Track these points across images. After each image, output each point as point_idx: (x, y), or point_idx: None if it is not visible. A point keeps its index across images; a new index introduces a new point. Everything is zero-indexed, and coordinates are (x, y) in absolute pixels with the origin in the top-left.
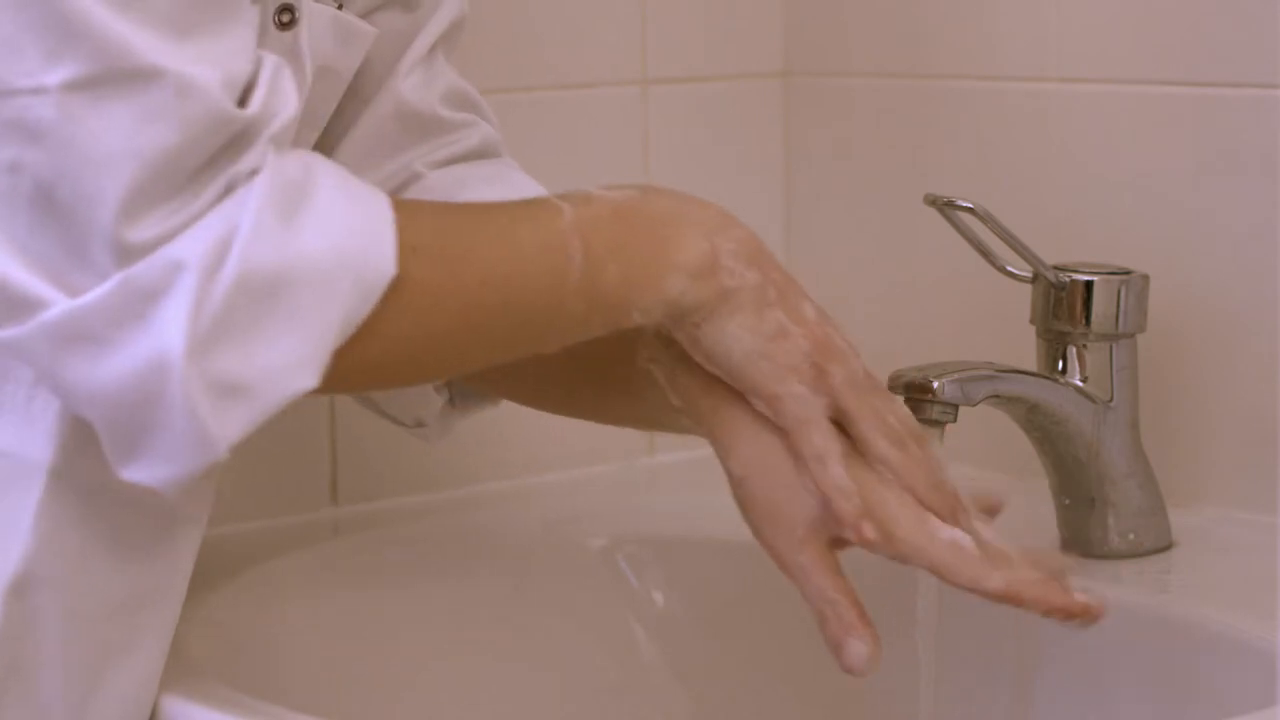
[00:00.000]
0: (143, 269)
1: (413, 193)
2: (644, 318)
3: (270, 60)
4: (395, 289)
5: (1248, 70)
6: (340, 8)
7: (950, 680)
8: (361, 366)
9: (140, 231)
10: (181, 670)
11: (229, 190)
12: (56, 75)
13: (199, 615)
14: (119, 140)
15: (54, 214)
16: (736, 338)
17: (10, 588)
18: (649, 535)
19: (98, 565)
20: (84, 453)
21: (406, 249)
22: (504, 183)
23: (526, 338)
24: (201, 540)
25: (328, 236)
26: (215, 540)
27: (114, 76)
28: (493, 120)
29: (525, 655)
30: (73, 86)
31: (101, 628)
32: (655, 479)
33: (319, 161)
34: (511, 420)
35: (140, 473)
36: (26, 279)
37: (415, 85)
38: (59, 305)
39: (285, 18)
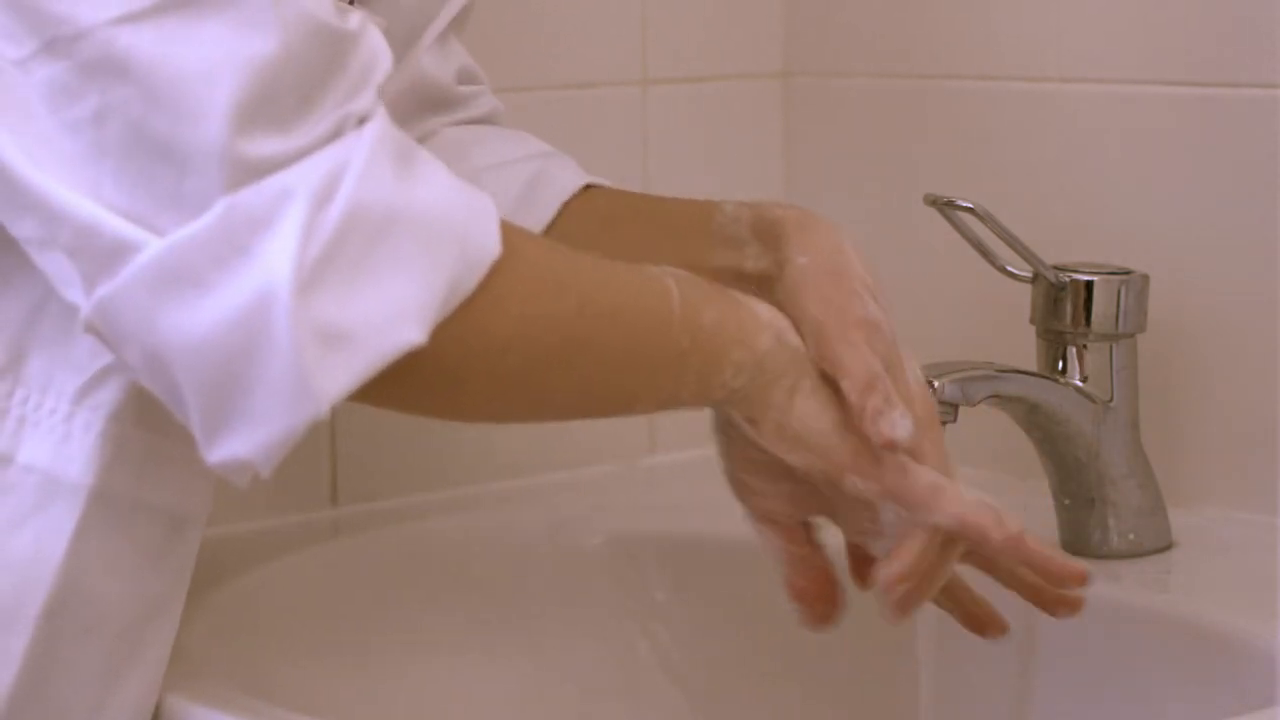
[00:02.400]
0: (249, 195)
1: (430, 146)
2: (736, 377)
3: (357, 11)
4: (512, 267)
5: (1248, 70)
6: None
7: (950, 680)
8: (488, 347)
9: (255, 146)
10: (181, 670)
11: (339, 133)
12: (145, 1)
13: (199, 615)
14: (218, 53)
15: (148, 151)
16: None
17: (45, 609)
18: (649, 535)
19: (122, 579)
20: (122, 471)
21: (515, 233)
22: (517, 139)
23: (638, 362)
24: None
25: (438, 198)
26: (215, 540)
27: None
28: (494, 96)
29: (525, 655)
30: (164, 7)
31: (118, 638)
32: (655, 479)
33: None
34: None
35: (234, 443)
36: (118, 224)
37: (434, 60)
38: (155, 245)
39: None
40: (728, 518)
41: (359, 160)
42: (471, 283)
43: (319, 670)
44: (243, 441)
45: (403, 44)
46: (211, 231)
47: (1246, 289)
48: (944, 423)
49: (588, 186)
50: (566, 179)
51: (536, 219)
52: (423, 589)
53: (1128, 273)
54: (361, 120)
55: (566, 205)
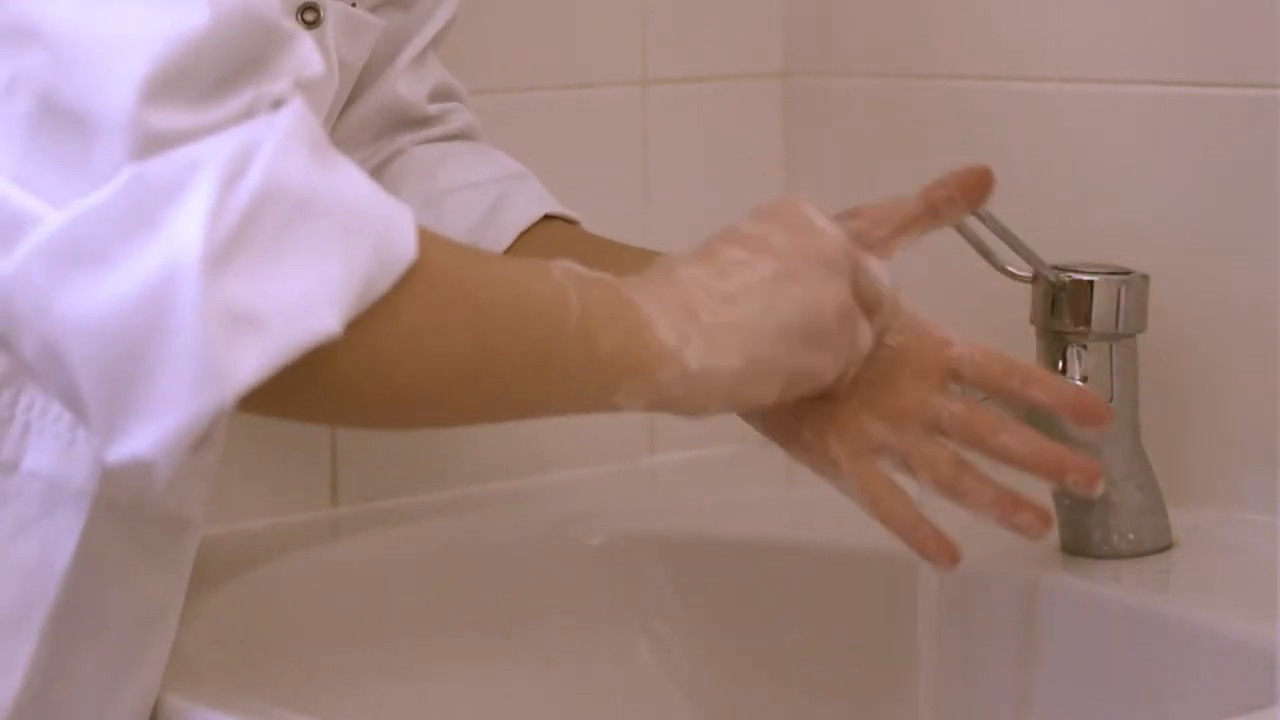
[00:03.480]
0: (157, 165)
1: (396, 166)
2: (629, 403)
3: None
4: (413, 279)
5: (1248, 70)
6: (354, 4)
7: (950, 680)
8: (381, 359)
9: (162, 118)
10: (181, 670)
11: (251, 113)
12: None
13: (199, 615)
14: (142, 22)
15: (55, 121)
16: None
17: (50, 615)
18: (649, 535)
19: (125, 584)
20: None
21: (424, 245)
22: (485, 158)
23: (536, 375)
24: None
25: (356, 191)
26: (215, 540)
27: None
28: (471, 111)
29: (525, 655)
30: None
31: (122, 641)
32: (655, 479)
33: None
34: None
35: (133, 438)
36: (18, 197)
37: (409, 82)
38: (55, 218)
39: (310, 16)
40: (728, 518)
41: (273, 139)
42: (385, 283)
43: (319, 670)
44: (142, 437)
45: (381, 63)
46: (115, 202)
47: (1246, 289)
48: None
49: (547, 216)
50: (526, 207)
51: (493, 246)
52: (423, 589)
53: (1128, 273)
54: (277, 103)
55: (523, 235)
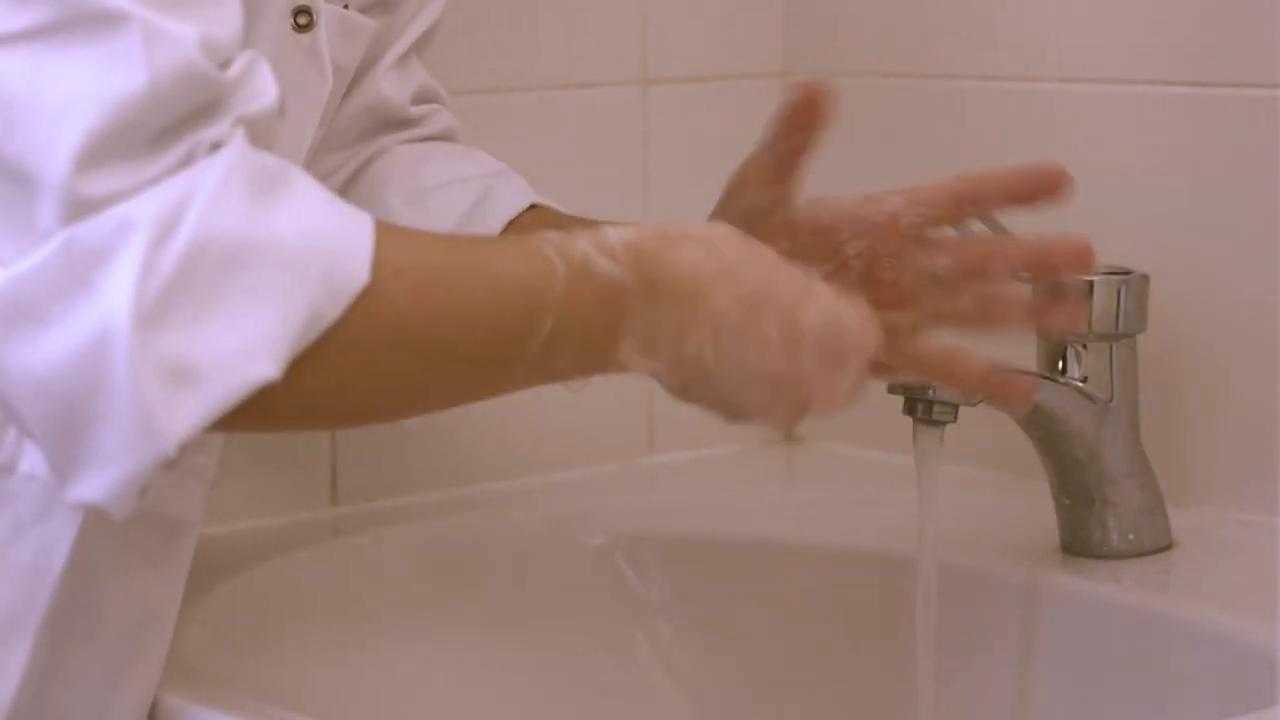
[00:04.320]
0: (87, 228)
1: (378, 166)
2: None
3: (249, 51)
4: (365, 303)
5: (1248, 70)
6: (345, 6)
7: (950, 680)
8: (320, 388)
9: (94, 184)
10: (181, 670)
11: (189, 160)
12: (18, 22)
13: (199, 615)
14: (81, 86)
15: (4, 174)
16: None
17: (47, 617)
18: (649, 535)
19: (122, 586)
20: None
21: (388, 269)
22: (468, 157)
23: (466, 392)
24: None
25: (301, 225)
26: (215, 540)
27: (79, 20)
28: (451, 113)
29: (525, 655)
30: (34, 33)
31: (119, 643)
32: (655, 479)
33: (298, 168)
34: (511, 420)
35: (84, 485)
36: None
37: (392, 84)
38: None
39: (303, 20)
40: (728, 518)
41: (207, 189)
42: (335, 312)
43: (318, 670)
44: (91, 484)
45: (365, 66)
46: (50, 265)
47: (1246, 289)
48: (944, 423)
49: (533, 206)
50: (512, 198)
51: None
52: (422, 589)
53: (1128, 273)
54: (215, 146)
55: (510, 225)
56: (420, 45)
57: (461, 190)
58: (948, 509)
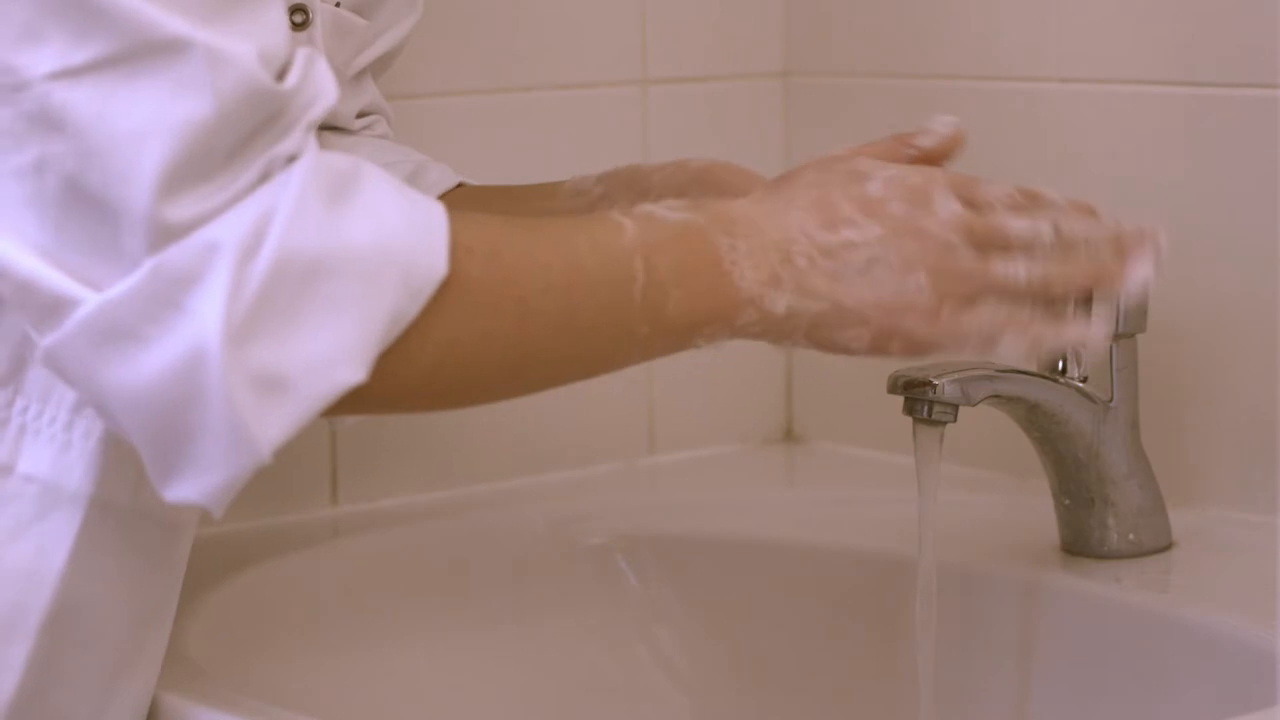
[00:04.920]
0: (175, 253)
1: None
2: (708, 343)
3: (304, 50)
4: (447, 290)
5: (1248, 70)
6: (338, 4)
7: (950, 680)
8: (414, 376)
9: (178, 210)
10: (181, 670)
11: (266, 176)
12: (83, 55)
13: (199, 615)
14: (151, 115)
15: (83, 206)
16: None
17: (45, 622)
18: (649, 535)
19: (121, 586)
20: (121, 479)
21: (460, 249)
22: (394, 149)
23: (589, 357)
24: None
25: (375, 228)
26: (215, 540)
27: (143, 51)
28: (389, 125)
29: (525, 655)
30: (100, 65)
31: (117, 644)
32: (655, 479)
33: (368, 164)
34: (512, 420)
35: (184, 488)
36: (58, 279)
37: (342, 100)
38: (92, 302)
39: (299, 18)
40: (728, 518)
41: (286, 205)
42: (414, 310)
43: (318, 670)
44: (192, 486)
45: None
46: (141, 290)
47: (1246, 289)
48: (944, 423)
49: (460, 185)
50: (440, 176)
51: None
52: (423, 589)
53: None
54: (290, 159)
55: (443, 198)
56: (379, 65)
57: (392, 171)
58: (948, 509)
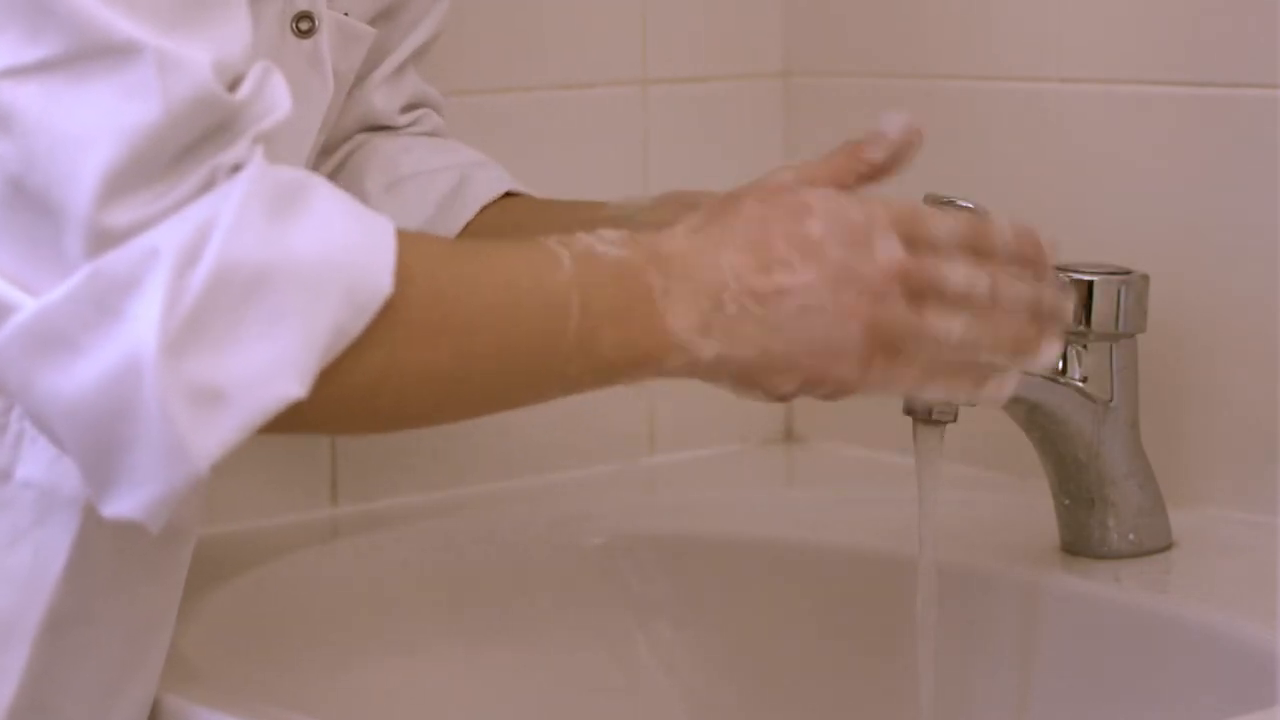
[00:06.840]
0: (113, 259)
1: (358, 156)
2: (633, 383)
3: (260, 63)
4: (390, 311)
5: (1248, 70)
6: (346, 14)
7: (950, 680)
8: (353, 394)
9: (118, 215)
10: (181, 670)
11: (210, 184)
12: (32, 55)
13: (199, 615)
14: (98, 118)
15: (24, 208)
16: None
17: (43, 628)
18: (649, 535)
19: (119, 592)
20: None
21: (405, 272)
22: (446, 149)
23: (519, 387)
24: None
25: (320, 241)
26: (215, 540)
27: (92, 52)
28: (441, 117)
29: (525, 654)
30: (49, 65)
31: (117, 650)
32: (655, 479)
33: (319, 178)
34: (511, 420)
35: (120, 503)
36: None
37: (384, 97)
38: (29, 307)
39: (305, 25)
40: (728, 518)
41: (228, 214)
42: (358, 326)
43: (318, 670)
44: (127, 501)
45: (359, 77)
46: (79, 294)
47: (1246, 289)
48: (944, 423)
49: (509, 194)
50: (488, 185)
51: (452, 225)
52: (422, 589)
53: (1128, 273)
54: (235, 168)
55: (484, 210)
56: (417, 57)
57: (439, 178)
58: (948, 509)
